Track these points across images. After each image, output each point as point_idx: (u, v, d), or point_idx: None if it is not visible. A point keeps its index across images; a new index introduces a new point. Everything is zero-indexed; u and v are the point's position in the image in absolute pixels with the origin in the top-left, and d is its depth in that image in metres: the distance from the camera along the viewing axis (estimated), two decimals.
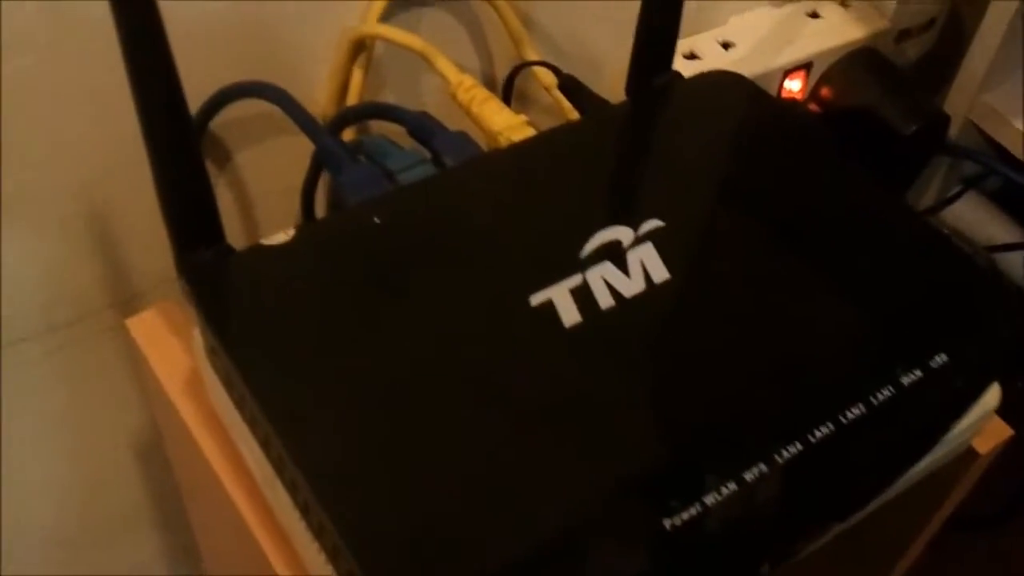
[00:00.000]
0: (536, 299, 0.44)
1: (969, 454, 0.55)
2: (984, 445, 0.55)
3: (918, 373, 0.44)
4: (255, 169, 0.66)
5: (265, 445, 0.43)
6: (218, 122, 0.62)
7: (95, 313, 0.67)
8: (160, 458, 0.76)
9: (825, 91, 0.77)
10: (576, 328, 0.44)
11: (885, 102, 0.77)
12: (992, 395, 0.51)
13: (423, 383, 0.42)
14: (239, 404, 0.44)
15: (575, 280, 0.45)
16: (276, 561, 0.47)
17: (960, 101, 0.87)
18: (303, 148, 0.57)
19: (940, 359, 0.44)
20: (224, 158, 0.65)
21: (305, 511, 0.41)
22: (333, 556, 0.40)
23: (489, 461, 0.40)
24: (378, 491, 0.39)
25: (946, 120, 0.78)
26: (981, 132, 0.88)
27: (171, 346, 0.56)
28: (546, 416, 0.41)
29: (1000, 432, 0.56)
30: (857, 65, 0.77)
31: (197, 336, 0.47)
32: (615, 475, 0.40)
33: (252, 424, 0.44)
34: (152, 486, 0.80)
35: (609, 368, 0.43)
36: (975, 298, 0.48)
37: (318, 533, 0.40)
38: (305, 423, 0.41)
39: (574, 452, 0.40)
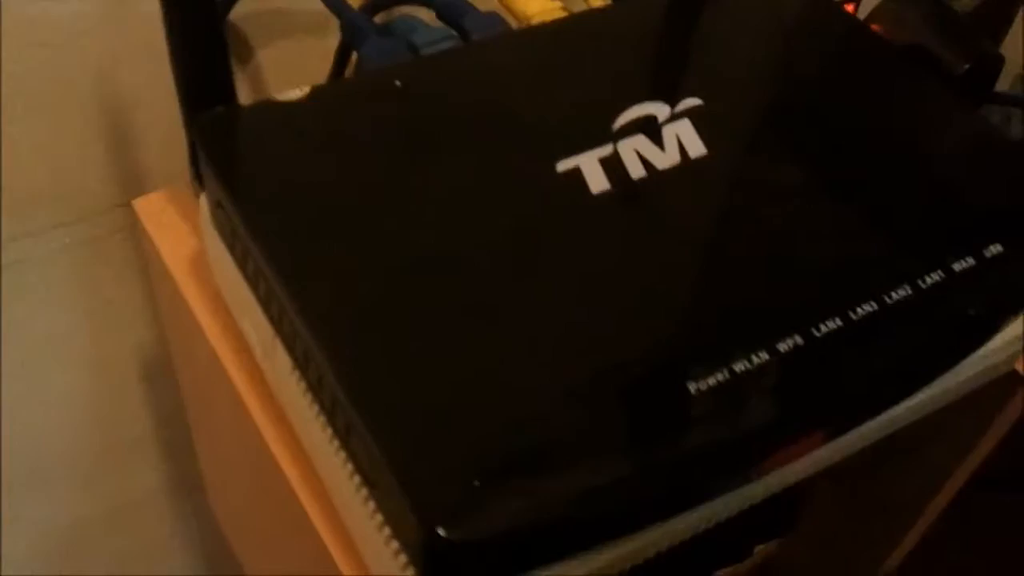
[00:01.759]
0: (563, 166, 0.42)
1: (1012, 377, 0.52)
2: None
3: (970, 261, 0.40)
4: (276, 68, 0.64)
5: (266, 302, 0.40)
6: (239, 14, 0.59)
7: (104, 212, 0.65)
8: (169, 381, 0.74)
9: (875, 26, 0.73)
10: (604, 195, 0.41)
11: (936, 40, 0.73)
12: None
13: (435, 243, 0.39)
14: (242, 262, 0.42)
15: (605, 150, 0.42)
16: (279, 452, 0.44)
17: (1014, 56, 0.84)
18: (325, 48, 0.55)
19: (994, 249, 0.41)
20: (246, 54, 0.63)
21: (304, 366, 0.38)
22: (332, 411, 0.37)
23: (509, 322, 0.37)
24: (389, 352, 0.36)
25: (1000, 61, 0.75)
26: None
27: (177, 228, 0.53)
28: (568, 280, 0.38)
29: None
30: (908, 1, 0.73)
31: (203, 203, 0.45)
32: (641, 341, 0.37)
33: (254, 281, 0.41)
34: (159, 410, 0.78)
35: (640, 235, 0.40)
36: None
37: (317, 388, 0.38)
38: (309, 275, 0.38)
39: (598, 316, 0.37)
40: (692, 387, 0.35)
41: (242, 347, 0.47)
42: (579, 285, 0.38)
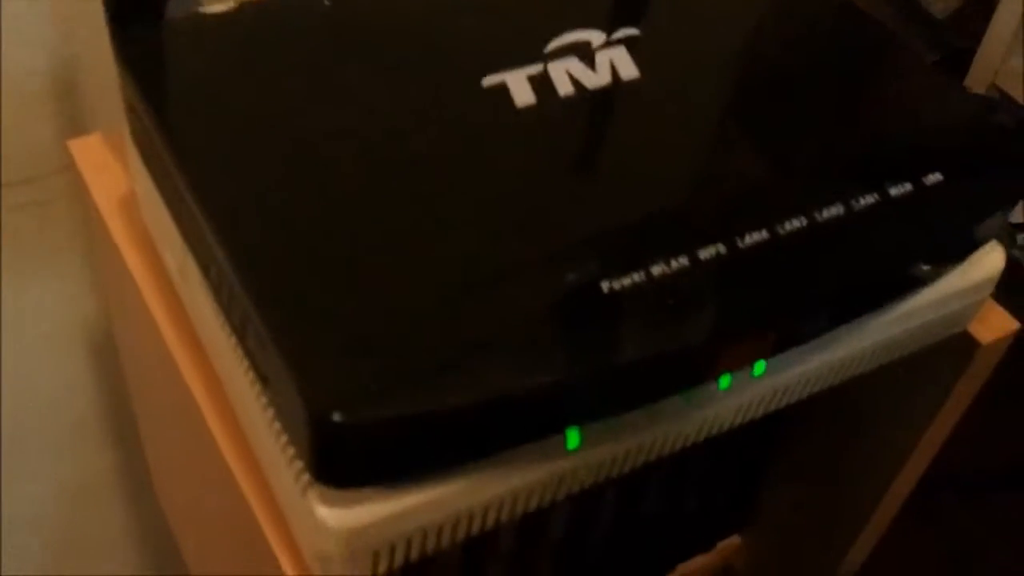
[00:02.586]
0: (489, 81, 0.40)
1: (968, 342, 0.50)
2: (986, 334, 0.50)
3: (908, 187, 0.39)
4: None
5: (178, 212, 0.39)
6: None
7: (49, 176, 0.63)
8: (113, 359, 0.72)
9: None
10: (528, 109, 0.40)
11: (908, 31, 0.73)
12: (994, 259, 0.46)
13: (349, 149, 0.38)
14: (157, 175, 0.40)
15: (535, 68, 0.41)
16: (193, 381, 0.42)
17: (985, 68, 0.83)
18: None
19: (934, 177, 0.40)
20: None
21: (207, 269, 0.37)
22: (230, 307, 0.35)
23: (418, 223, 0.36)
24: (289, 247, 0.35)
25: (969, 55, 0.74)
26: (1005, 95, 0.84)
27: (112, 169, 0.52)
28: (482, 184, 0.37)
29: (1004, 324, 0.51)
30: None
31: (127, 128, 0.44)
32: (554, 242, 0.35)
33: (169, 194, 0.40)
34: (103, 389, 0.76)
35: (564, 146, 0.39)
36: (981, 133, 0.43)
37: (218, 290, 0.36)
38: (219, 180, 0.37)
39: (509, 217, 0.36)
40: (604, 286, 0.34)
41: (167, 286, 0.46)
42: (494, 190, 0.37)
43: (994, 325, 0.51)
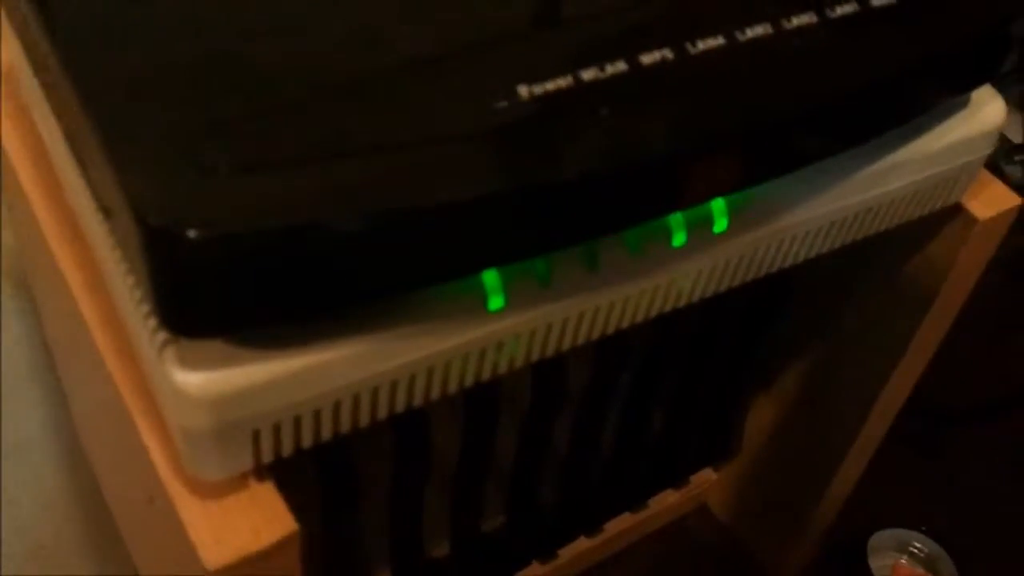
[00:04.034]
0: None
1: (965, 217, 0.44)
2: (983, 210, 0.44)
3: (852, 6, 0.33)
4: None
5: (41, 63, 0.32)
6: None
7: None
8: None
9: None
10: None
11: None
12: (993, 110, 0.40)
13: None
14: (25, 37, 0.34)
15: None
16: (73, 278, 0.36)
17: None
18: None
19: None
20: None
21: (55, 101, 0.31)
22: (75, 139, 0.29)
23: (285, 27, 0.29)
24: (131, 62, 0.28)
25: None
26: None
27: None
28: None
29: (1002, 199, 0.45)
30: None
31: None
32: (465, 37, 0.29)
33: (31, 46, 0.33)
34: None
35: None
36: None
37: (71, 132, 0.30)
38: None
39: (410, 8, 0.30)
40: (523, 91, 0.27)
41: (40, 159, 0.39)
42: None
43: (992, 199, 0.45)
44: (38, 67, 0.33)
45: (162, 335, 0.28)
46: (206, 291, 0.25)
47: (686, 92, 0.29)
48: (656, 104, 0.28)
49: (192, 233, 0.23)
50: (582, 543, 0.62)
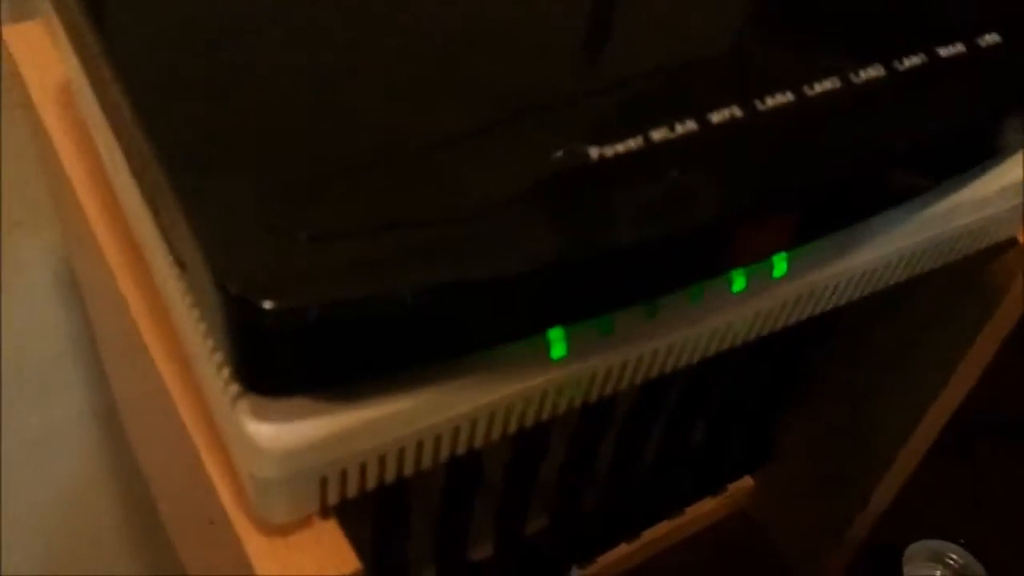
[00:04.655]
0: None
1: (1020, 250, 0.44)
2: None
3: (959, 47, 0.33)
4: None
5: (106, 101, 0.33)
6: None
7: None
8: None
9: None
10: None
11: None
12: None
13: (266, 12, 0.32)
14: (88, 65, 0.34)
15: None
16: (139, 313, 0.36)
17: None
18: None
19: (991, 38, 0.33)
20: None
21: (130, 151, 0.31)
22: (148, 183, 0.29)
23: (348, 82, 0.30)
24: (206, 118, 0.28)
25: None
26: None
27: (47, 55, 0.46)
28: (440, 37, 0.31)
29: None
30: None
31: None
32: (537, 102, 0.29)
33: (98, 81, 0.33)
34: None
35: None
36: None
37: (141, 175, 0.30)
38: (145, 58, 0.31)
39: (482, 76, 0.30)
40: (594, 152, 0.27)
41: (103, 183, 0.40)
42: (454, 40, 0.31)
43: None
44: (106, 105, 0.33)
45: (235, 387, 0.28)
46: (283, 356, 0.25)
47: (755, 151, 0.29)
48: (726, 164, 0.29)
49: (270, 305, 0.24)
50: (620, 548, 0.63)
